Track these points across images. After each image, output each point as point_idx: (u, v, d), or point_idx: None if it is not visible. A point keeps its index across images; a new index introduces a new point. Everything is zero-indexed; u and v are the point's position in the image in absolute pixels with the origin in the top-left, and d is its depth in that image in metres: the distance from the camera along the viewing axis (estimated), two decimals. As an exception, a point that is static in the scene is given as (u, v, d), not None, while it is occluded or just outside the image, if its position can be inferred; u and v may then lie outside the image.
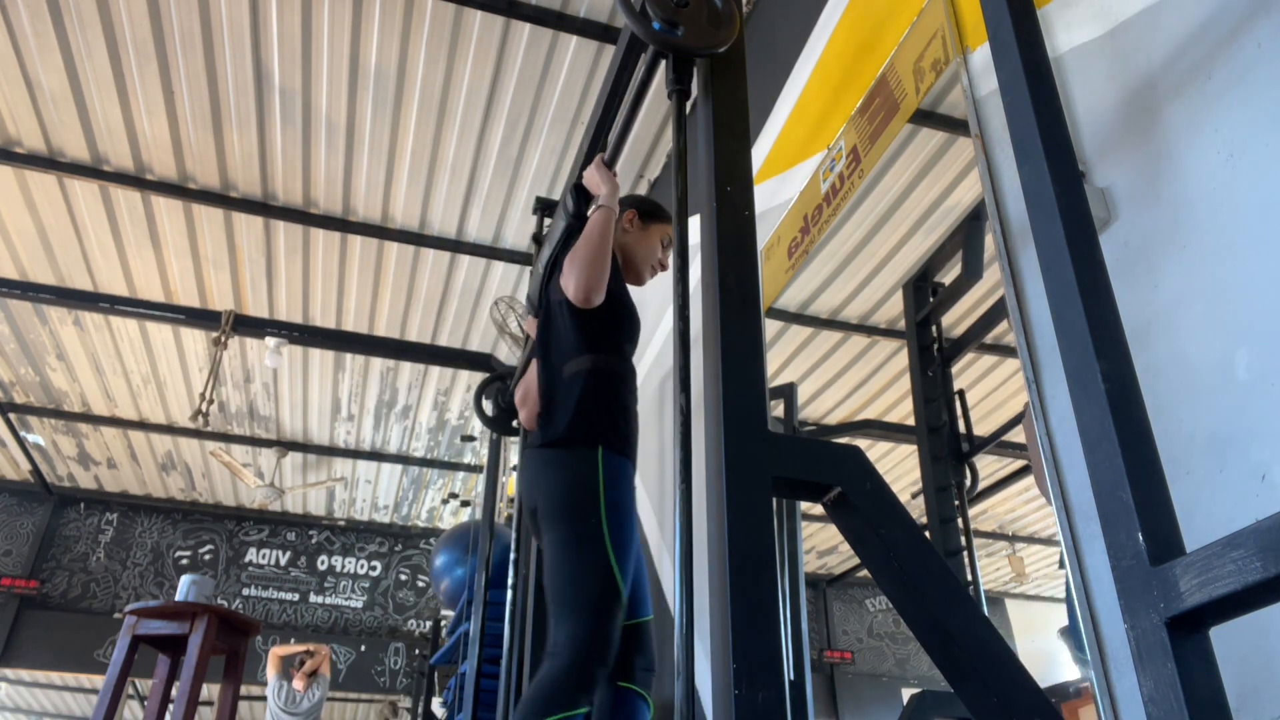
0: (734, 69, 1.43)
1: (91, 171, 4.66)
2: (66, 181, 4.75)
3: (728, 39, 1.43)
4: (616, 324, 1.91)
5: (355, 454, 7.71)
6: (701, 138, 1.33)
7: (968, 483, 2.12)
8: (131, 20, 3.88)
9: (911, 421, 2.32)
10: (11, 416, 7.05)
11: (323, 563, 8.92)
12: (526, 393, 2.00)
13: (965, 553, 2.02)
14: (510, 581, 2.69)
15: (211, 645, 3.49)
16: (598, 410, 1.78)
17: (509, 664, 2.68)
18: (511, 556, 2.70)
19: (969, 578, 2.00)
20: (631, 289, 2.07)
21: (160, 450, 7.74)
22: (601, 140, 2.02)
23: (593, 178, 1.91)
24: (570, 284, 1.77)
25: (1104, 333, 0.91)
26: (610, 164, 1.98)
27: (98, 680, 8.24)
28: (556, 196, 4.60)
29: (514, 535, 2.68)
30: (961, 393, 2.19)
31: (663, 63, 1.54)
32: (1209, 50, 1.23)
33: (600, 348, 1.86)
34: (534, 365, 1.99)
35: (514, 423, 3.05)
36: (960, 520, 2.04)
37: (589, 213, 1.86)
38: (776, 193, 2.72)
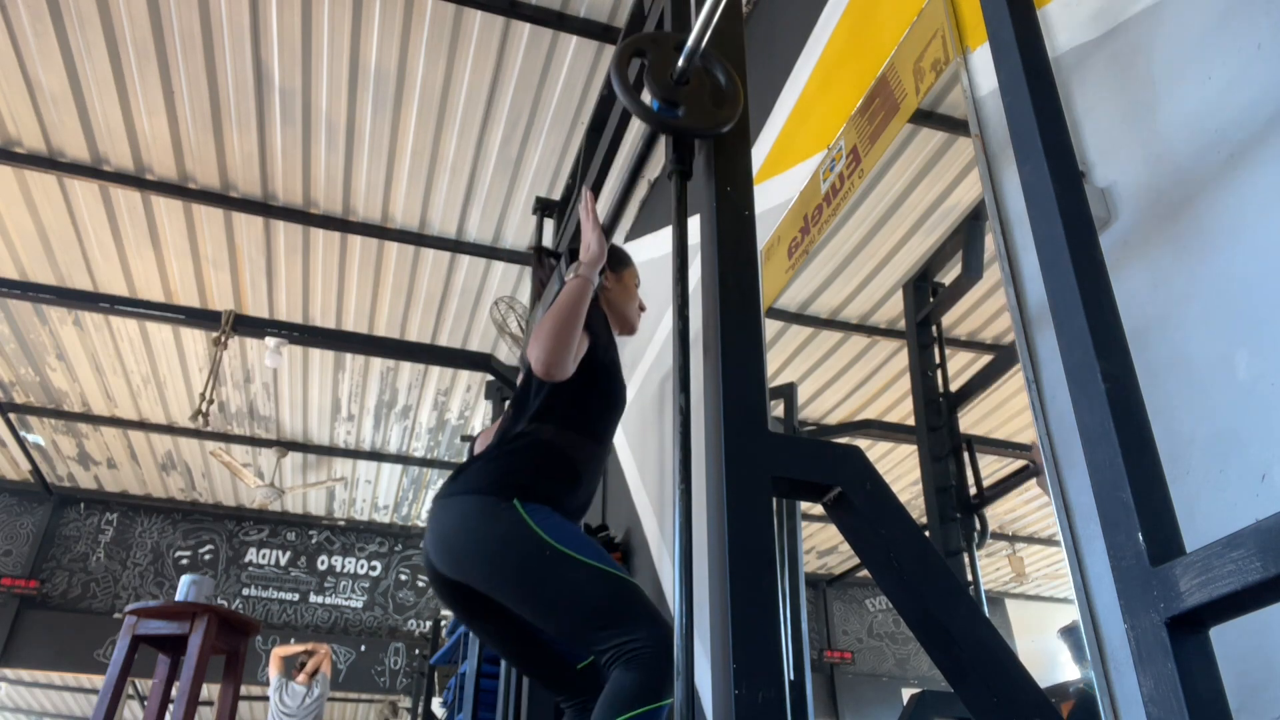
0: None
1: (91, 171, 4.66)
2: (66, 181, 4.75)
3: (731, 117, 1.34)
4: (591, 399, 1.76)
5: (355, 454, 7.71)
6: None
7: (976, 532, 2.08)
8: (131, 20, 3.88)
9: (911, 421, 2.31)
10: (11, 416, 7.05)
11: (323, 563, 8.92)
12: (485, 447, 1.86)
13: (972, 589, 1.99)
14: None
15: (211, 645, 3.49)
16: (533, 476, 1.64)
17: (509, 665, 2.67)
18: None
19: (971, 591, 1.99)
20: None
21: (160, 450, 7.74)
22: (598, 143, 2.01)
23: (585, 238, 1.80)
24: (533, 355, 1.63)
25: (1104, 333, 0.91)
26: (608, 167, 1.96)
27: (98, 680, 8.24)
28: (556, 196, 4.61)
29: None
30: (970, 441, 2.17)
31: (662, 137, 1.45)
32: (1209, 50, 1.23)
33: (566, 422, 1.72)
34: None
35: None
36: (970, 571, 2.02)
37: (566, 278, 1.74)
38: (776, 193, 2.72)
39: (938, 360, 2.29)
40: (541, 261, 2.12)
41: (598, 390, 1.78)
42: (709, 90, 1.37)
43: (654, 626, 1.48)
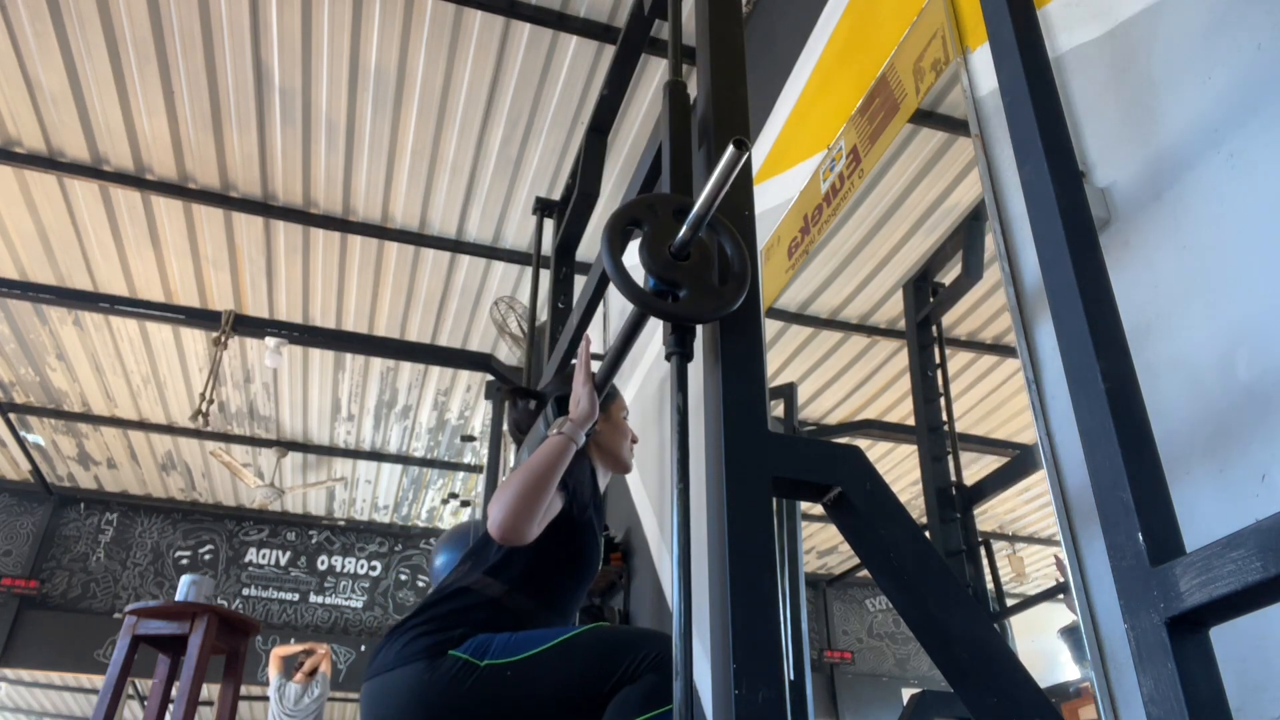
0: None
1: (91, 171, 4.66)
2: (66, 181, 4.75)
3: (736, 298, 1.16)
4: (557, 565, 1.58)
5: (355, 454, 7.72)
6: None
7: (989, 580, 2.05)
8: (131, 20, 3.88)
9: (912, 421, 2.31)
10: (11, 416, 7.05)
11: (323, 563, 8.92)
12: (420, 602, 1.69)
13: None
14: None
15: (211, 645, 3.49)
16: (464, 630, 1.46)
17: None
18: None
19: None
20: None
21: (160, 450, 7.74)
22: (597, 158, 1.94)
23: (576, 393, 1.59)
24: (492, 514, 1.42)
25: (1104, 333, 0.91)
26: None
27: (98, 680, 8.24)
28: (556, 196, 4.60)
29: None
30: (989, 540, 2.14)
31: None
32: (1209, 50, 1.23)
33: (523, 586, 1.55)
34: None
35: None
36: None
37: (550, 433, 1.52)
38: (776, 193, 2.72)
39: (938, 360, 2.29)
40: (515, 402, 1.89)
41: (565, 555, 1.60)
42: (713, 263, 1.19)
43: (645, 640, 1.44)
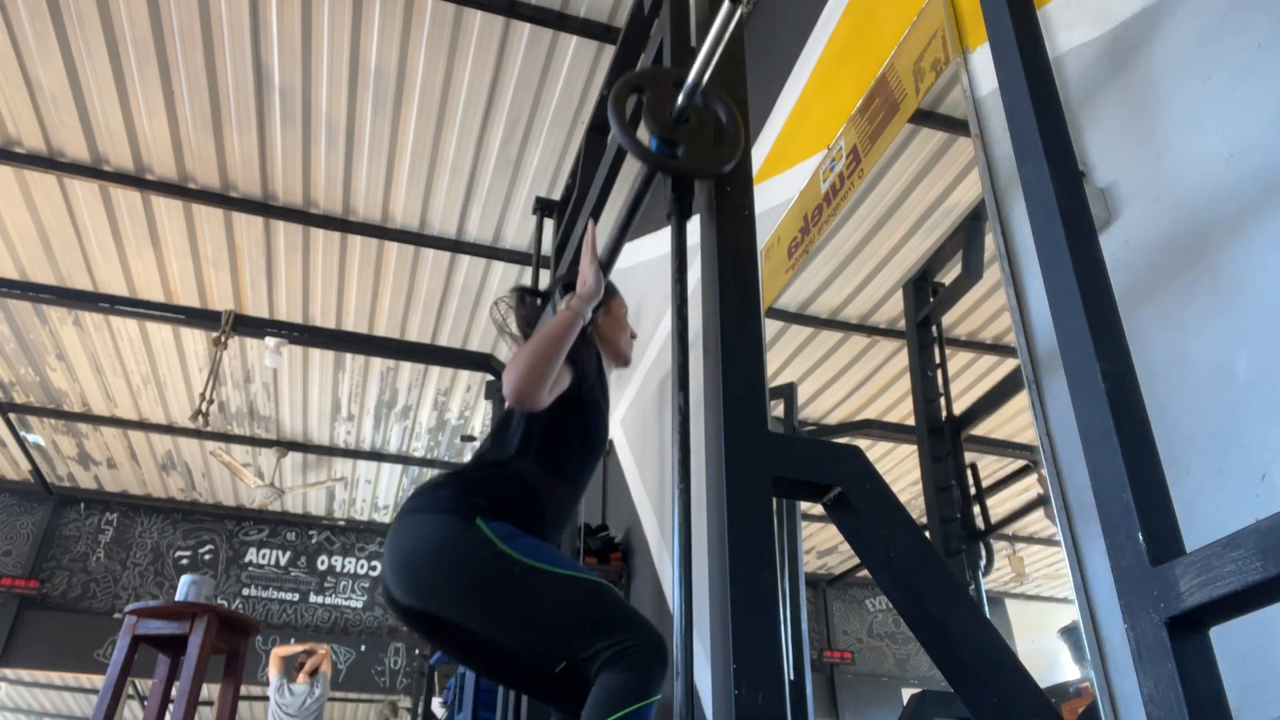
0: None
1: (91, 171, 4.66)
2: (66, 181, 4.75)
3: (731, 157, 1.30)
4: (570, 438, 1.70)
5: (355, 454, 7.71)
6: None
7: (982, 562, 2.07)
8: (131, 20, 3.88)
9: (912, 421, 2.32)
10: (11, 416, 7.05)
11: (323, 563, 8.92)
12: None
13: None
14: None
15: (211, 645, 3.49)
16: (496, 502, 1.56)
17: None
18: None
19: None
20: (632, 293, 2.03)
21: (160, 450, 7.74)
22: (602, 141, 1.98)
23: (583, 272, 1.73)
24: (506, 381, 1.55)
25: (1104, 333, 0.91)
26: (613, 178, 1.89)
27: (98, 680, 8.24)
28: (556, 196, 4.61)
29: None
30: (974, 467, 2.16)
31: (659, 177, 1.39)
32: (1209, 50, 1.23)
33: (541, 459, 1.66)
34: None
35: None
36: (977, 598, 2.01)
37: (559, 307, 1.67)
38: (776, 193, 2.72)
39: (938, 360, 2.29)
40: (524, 300, 2.03)
41: (578, 430, 1.71)
42: (710, 127, 1.32)
43: (637, 626, 1.47)
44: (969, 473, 2.13)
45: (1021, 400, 1.50)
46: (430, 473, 8.09)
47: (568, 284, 1.82)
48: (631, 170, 1.74)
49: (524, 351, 1.58)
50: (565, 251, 2.74)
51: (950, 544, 2.07)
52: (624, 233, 1.70)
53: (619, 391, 4.26)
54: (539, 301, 2.01)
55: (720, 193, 1.27)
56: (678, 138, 1.29)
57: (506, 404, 1.64)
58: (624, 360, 1.98)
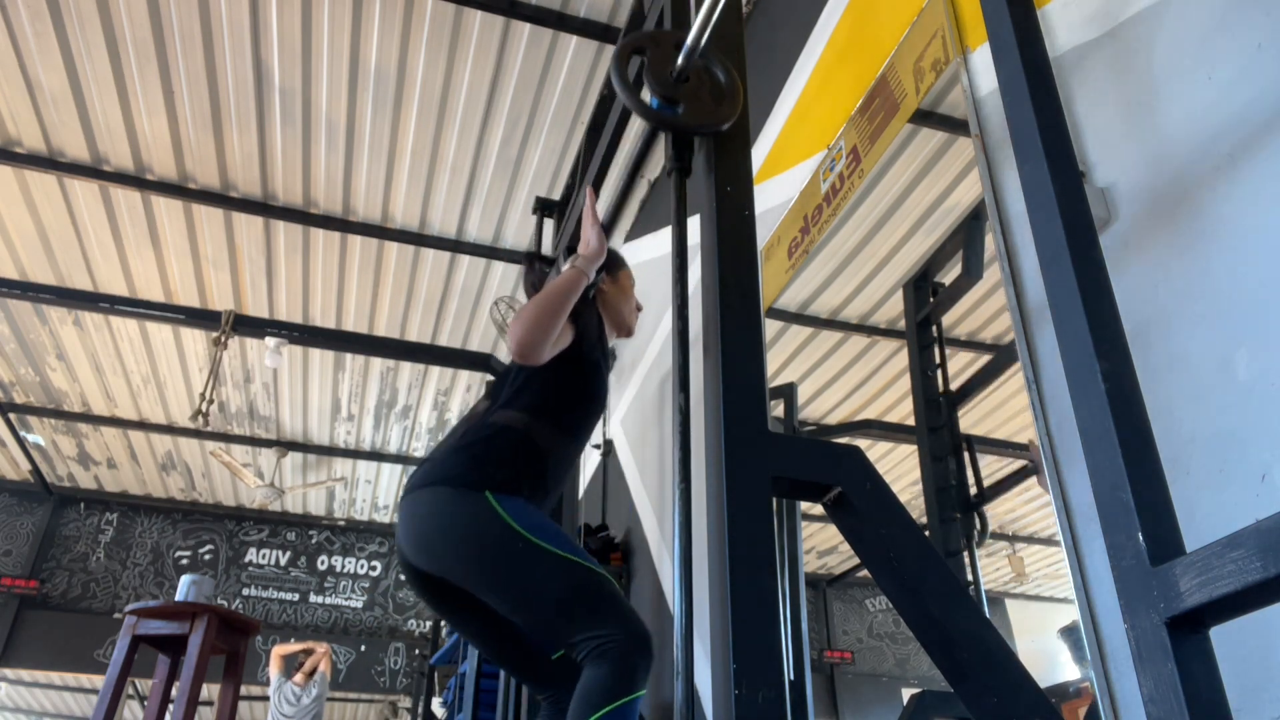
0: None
1: (91, 171, 4.66)
2: (66, 181, 4.75)
3: (730, 115, 1.35)
4: (569, 392, 1.75)
5: (355, 454, 7.71)
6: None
7: (976, 531, 2.08)
8: (131, 20, 3.88)
9: (911, 421, 2.31)
10: (11, 416, 7.05)
11: (323, 563, 8.92)
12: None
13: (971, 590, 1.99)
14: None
15: (211, 645, 3.49)
16: (502, 470, 1.61)
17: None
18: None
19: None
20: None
21: (160, 450, 7.74)
22: (597, 144, 2.00)
23: (585, 233, 1.79)
24: (512, 334, 1.61)
25: (1104, 333, 0.91)
26: (607, 166, 1.94)
27: (98, 680, 8.24)
28: (556, 196, 4.61)
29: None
30: (970, 440, 2.17)
31: (661, 135, 1.45)
32: (1209, 50, 1.23)
33: (540, 411, 1.70)
34: None
35: None
36: (970, 571, 2.02)
37: (563, 268, 1.72)
38: (776, 193, 2.72)
39: (938, 360, 2.29)
40: (533, 265, 2.10)
41: (578, 386, 1.76)
42: (708, 88, 1.37)
43: (624, 620, 1.49)
44: (964, 444, 2.14)
45: (1022, 400, 1.50)
46: (430, 473, 8.08)
47: (570, 248, 1.85)
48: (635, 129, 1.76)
49: (529, 306, 1.63)
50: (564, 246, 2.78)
51: (950, 544, 2.07)
52: (626, 195, 1.77)
53: (619, 392, 4.26)
54: (546, 267, 2.08)
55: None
56: (678, 96, 1.34)
57: (503, 369, 1.71)
58: (627, 330, 2.02)
